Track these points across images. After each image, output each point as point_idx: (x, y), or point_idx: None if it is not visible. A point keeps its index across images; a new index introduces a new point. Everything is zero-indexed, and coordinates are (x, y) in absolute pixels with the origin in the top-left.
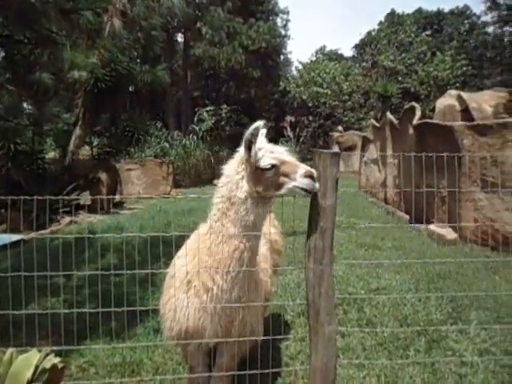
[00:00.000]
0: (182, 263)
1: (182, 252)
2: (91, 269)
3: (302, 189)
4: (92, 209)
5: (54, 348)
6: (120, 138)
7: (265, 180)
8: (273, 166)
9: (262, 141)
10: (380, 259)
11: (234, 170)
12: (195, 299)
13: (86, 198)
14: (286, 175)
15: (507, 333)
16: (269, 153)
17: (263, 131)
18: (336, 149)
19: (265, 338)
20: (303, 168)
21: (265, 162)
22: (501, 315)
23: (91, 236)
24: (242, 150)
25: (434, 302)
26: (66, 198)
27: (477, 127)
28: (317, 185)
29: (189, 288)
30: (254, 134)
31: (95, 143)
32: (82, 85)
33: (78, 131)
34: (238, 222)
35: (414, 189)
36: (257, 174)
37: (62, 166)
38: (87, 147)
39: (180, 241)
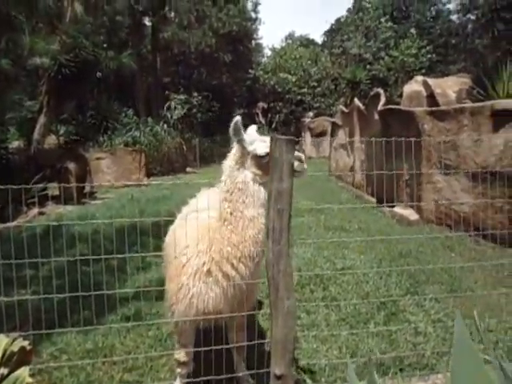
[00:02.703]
0: (194, 252)
1: (180, 240)
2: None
3: (294, 170)
4: (61, 200)
5: (23, 334)
6: (88, 125)
7: (263, 165)
8: (267, 153)
9: (253, 134)
10: (346, 241)
11: (234, 162)
12: (215, 287)
13: (53, 187)
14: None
15: (458, 303)
16: (262, 142)
17: (254, 127)
18: (308, 134)
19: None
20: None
21: (261, 150)
22: (454, 288)
23: (62, 223)
24: (236, 145)
25: (394, 279)
26: (32, 187)
27: (436, 113)
28: (305, 165)
29: (208, 277)
30: (237, 128)
31: (62, 132)
32: (44, 71)
33: (42, 119)
34: (256, 203)
35: (379, 172)
36: (255, 161)
37: (27, 156)
38: (53, 136)
39: (153, 229)
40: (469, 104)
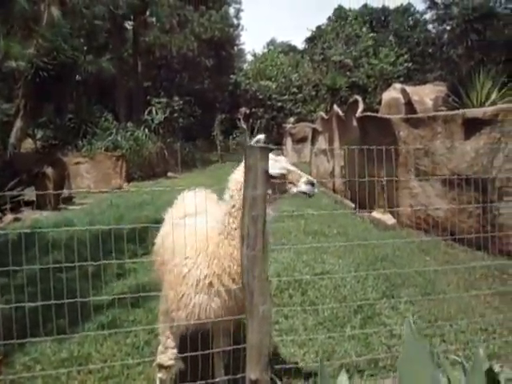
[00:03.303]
0: (194, 263)
1: (180, 248)
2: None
3: (304, 193)
4: (38, 205)
5: None
6: (66, 129)
7: (273, 185)
8: (281, 174)
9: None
10: (325, 246)
11: (242, 177)
12: (217, 298)
13: (30, 193)
14: (291, 182)
15: (432, 305)
16: (276, 162)
17: (261, 137)
18: (289, 140)
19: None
20: (305, 177)
21: (275, 171)
22: (427, 291)
23: (35, 230)
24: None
25: (371, 283)
26: (7, 193)
27: (411, 120)
28: (316, 189)
29: (209, 289)
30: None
31: (39, 135)
32: (21, 74)
33: (19, 123)
34: None
35: (358, 178)
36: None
37: (3, 161)
38: (30, 140)
39: (132, 235)
40: (442, 112)
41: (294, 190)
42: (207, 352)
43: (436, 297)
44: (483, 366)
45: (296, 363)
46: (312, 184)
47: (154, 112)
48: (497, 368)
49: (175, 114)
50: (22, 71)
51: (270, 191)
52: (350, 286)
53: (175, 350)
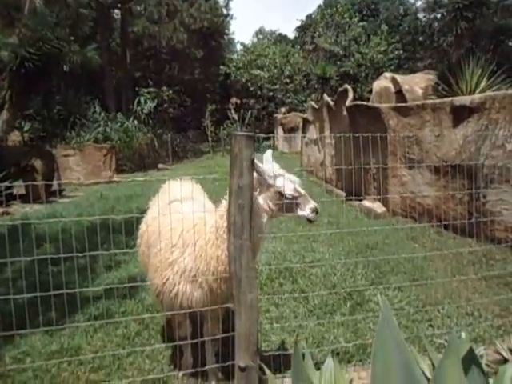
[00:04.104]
0: (180, 253)
1: (165, 234)
2: (26, 260)
3: (307, 219)
4: (27, 199)
5: None
6: (54, 121)
7: (284, 204)
8: (293, 196)
9: (275, 167)
10: (316, 234)
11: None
12: (200, 290)
13: (19, 186)
14: (299, 205)
15: (420, 291)
16: (291, 184)
17: (269, 152)
18: (280, 130)
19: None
20: (312, 204)
21: (288, 192)
22: (416, 277)
23: (25, 222)
24: (258, 175)
25: (360, 270)
26: None
27: (400, 109)
28: (316, 217)
29: (193, 281)
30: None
31: (26, 128)
32: (5, 65)
33: (5, 115)
34: (257, 233)
35: (348, 167)
36: (277, 197)
37: None
38: (17, 132)
39: (125, 226)
40: (430, 100)
41: (300, 213)
42: (196, 341)
43: (424, 283)
44: (461, 347)
45: (286, 350)
46: (316, 212)
47: (142, 101)
48: (481, 351)
49: (165, 105)
50: (7, 62)
51: (276, 208)
52: (340, 274)
53: (183, 329)
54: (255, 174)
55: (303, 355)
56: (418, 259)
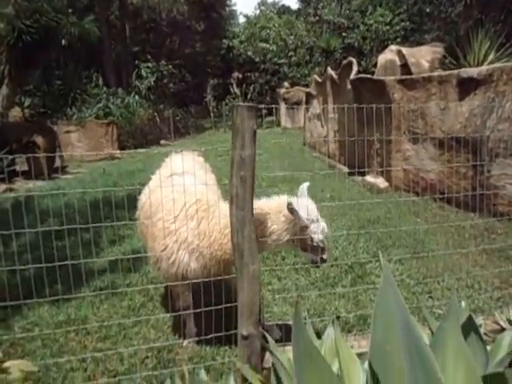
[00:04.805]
0: (183, 224)
1: (167, 204)
2: (31, 234)
3: (312, 261)
4: (30, 175)
5: None
6: (54, 97)
7: (304, 244)
8: (320, 243)
9: (310, 205)
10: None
11: (281, 214)
12: (197, 261)
13: (21, 162)
14: (316, 250)
15: (420, 265)
16: (322, 231)
17: (305, 187)
18: (282, 105)
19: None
20: (326, 255)
21: (316, 240)
22: (417, 251)
23: (30, 193)
24: (292, 212)
25: (362, 244)
26: None
27: (405, 81)
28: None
29: (191, 252)
30: (294, 211)
31: (26, 104)
32: (3, 39)
33: (4, 90)
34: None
35: (351, 141)
36: (298, 230)
37: None
38: (18, 108)
39: (128, 202)
40: (436, 73)
41: (309, 257)
42: (198, 310)
43: (425, 255)
44: (461, 315)
45: (288, 320)
46: (324, 262)
47: (143, 74)
48: (480, 321)
49: (165, 80)
50: (4, 35)
51: (288, 237)
52: (342, 248)
53: (186, 295)
54: (297, 217)
55: (304, 323)
56: (419, 233)
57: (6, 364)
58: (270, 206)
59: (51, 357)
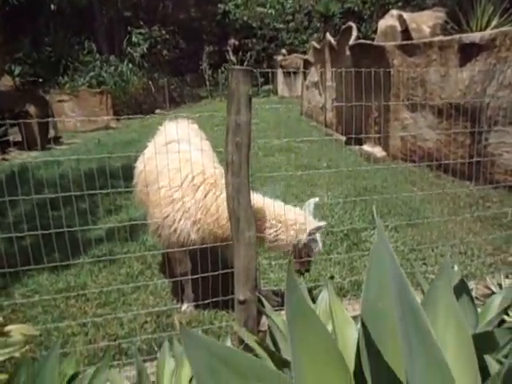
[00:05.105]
0: (187, 195)
1: (169, 172)
2: (28, 204)
3: (295, 269)
4: (23, 146)
5: None
6: (45, 64)
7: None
8: (310, 256)
9: (312, 220)
10: (315, 179)
11: (291, 228)
12: (196, 234)
13: (15, 133)
14: (304, 263)
15: (415, 232)
16: (318, 250)
17: (312, 204)
18: (280, 73)
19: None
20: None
21: (311, 257)
22: (412, 219)
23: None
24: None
25: (357, 212)
26: None
27: (405, 47)
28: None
29: (194, 223)
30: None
31: (17, 72)
32: None
33: None
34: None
35: (349, 110)
36: (301, 242)
37: None
38: (8, 77)
39: (122, 172)
40: (437, 38)
41: (296, 265)
42: (196, 276)
43: (419, 221)
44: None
45: (283, 286)
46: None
47: (135, 41)
48: (472, 285)
49: (159, 47)
50: None
51: (289, 248)
52: (338, 216)
53: (184, 263)
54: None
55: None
56: (415, 201)
57: (8, 328)
58: (283, 218)
59: (52, 322)
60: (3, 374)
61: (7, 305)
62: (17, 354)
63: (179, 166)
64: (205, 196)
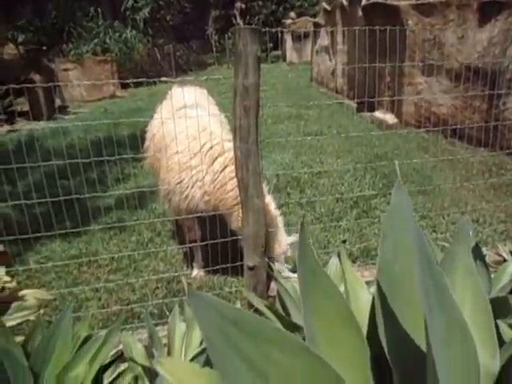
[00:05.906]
0: (199, 163)
1: (183, 139)
2: (37, 174)
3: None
4: (31, 116)
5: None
6: (48, 31)
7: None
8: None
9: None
10: (325, 146)
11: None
12: (204, 204)
13: (22, 103)
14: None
15: (426, 200)
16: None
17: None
18: (289, 37)
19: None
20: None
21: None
22: (423, 186)
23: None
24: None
25: (367, 180)
26: None
27: (421, 7)
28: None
29: (205, 194)
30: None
31: (20, 39)
32: None
33: None
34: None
35: (361, 74)
36: (285, 246)
37: None
38: (12, 45)
39: (130, 141)
40: None
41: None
42: (205, 243)
43: (431, 190)
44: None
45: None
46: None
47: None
48: (484, 252)
49: (162, 11)
50: None
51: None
52: (348, 184)
53: (193, 229)
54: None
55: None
56: (427, 169)
57: (22, 292)
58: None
59: (66, 287)
60: (20, 336)
61: (22, 270)
62: (32, 317)
63: (196, 133)
64: (222, 170)
